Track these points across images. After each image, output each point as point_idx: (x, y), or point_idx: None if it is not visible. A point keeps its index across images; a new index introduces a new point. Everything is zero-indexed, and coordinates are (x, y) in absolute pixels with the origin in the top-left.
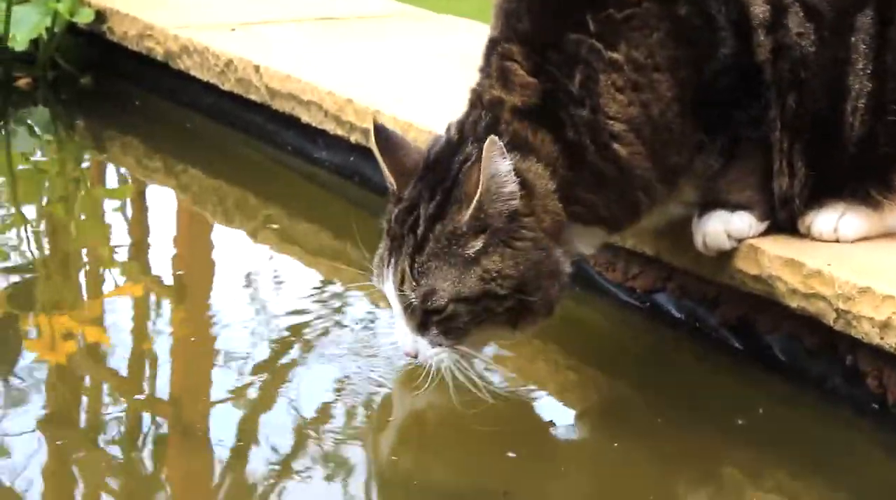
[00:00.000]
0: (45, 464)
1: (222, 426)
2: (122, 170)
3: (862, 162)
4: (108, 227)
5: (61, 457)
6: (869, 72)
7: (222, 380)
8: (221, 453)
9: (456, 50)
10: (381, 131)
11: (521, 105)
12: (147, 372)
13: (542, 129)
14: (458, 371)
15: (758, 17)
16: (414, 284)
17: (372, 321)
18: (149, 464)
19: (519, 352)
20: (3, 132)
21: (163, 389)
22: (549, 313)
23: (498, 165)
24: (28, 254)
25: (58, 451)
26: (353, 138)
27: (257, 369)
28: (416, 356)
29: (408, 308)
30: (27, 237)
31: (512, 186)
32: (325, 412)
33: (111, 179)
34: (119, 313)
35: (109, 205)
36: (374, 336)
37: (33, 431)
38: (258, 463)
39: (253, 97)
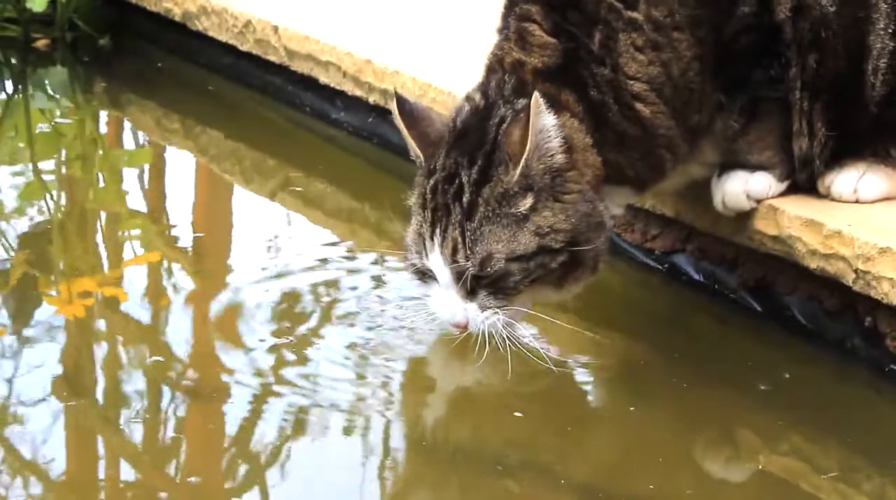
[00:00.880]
0: (62, 427)
1: (241, 388)
2: (141, 132)
3: (882, 122)
4: (126, 190)
5: (78, 419)
6: (890, 31)
7: (240, 342)
8: (239, 415)
9: (476, 8)
10: (403, 103)
11: (542, 66)
12: (165, 333)
13: (566, 89)
14: (506, 333)
15: None
16: (469, 252)
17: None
18: (167, 426)
19: (537, 313)
20: (22, 94)
21: (180, 351)
22: (595, 269)
23: (544, 119)
24: (45, 213)
25: (75, 412)
26: (372, 99)
27: (276, 332)
28: (465, 326)
29: (459, 276)
30: (45, 199)
31: (557, 140)
32: (344, 375)
33: (129, 141)
34: (137, 274)
35: (127, 167)
36: (395, 302)
37: (49, 394)
38: (275, 427)
39: (271, 58)
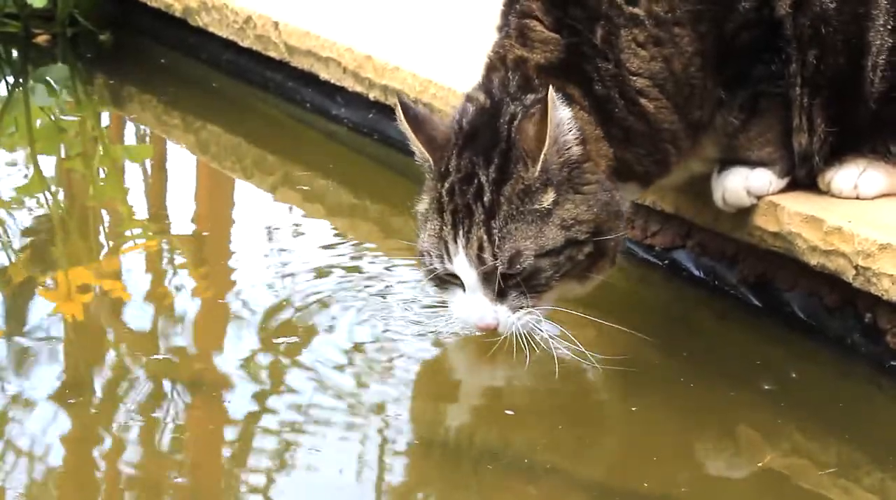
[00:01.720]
0: (62, 425)
1: (243, 385)
2: (142, 127)
3: (882, 118)
4: (127, 185)
5: (79, 417)
6: (890, 27)
7: (242, 339)
8: (242, 412)
9: (477, 4)
10: (407, 109)
11: (545, 62)
12: (165, 330)
13: (571, 84)
14: (538, 332)
15: None
16: (496, 250)
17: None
18: (167, 423)
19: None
20: (23, 89)
21: (182, 347)
22: (614, 260)
23: (561, 112)
24: (45, 208)
25: (76, 410)
26: (372, 95)
27: (277, 328)
28: (494, 328)
29: (486, 277)
30: (45, 194)
31: (573, 132)
32: (345, 372)
33: (130, 137)
34: (137, 270)
35: (128, 162)
36: (394, 297)
37: (51, 392)
38: (278, 423)
39: (272, 54)
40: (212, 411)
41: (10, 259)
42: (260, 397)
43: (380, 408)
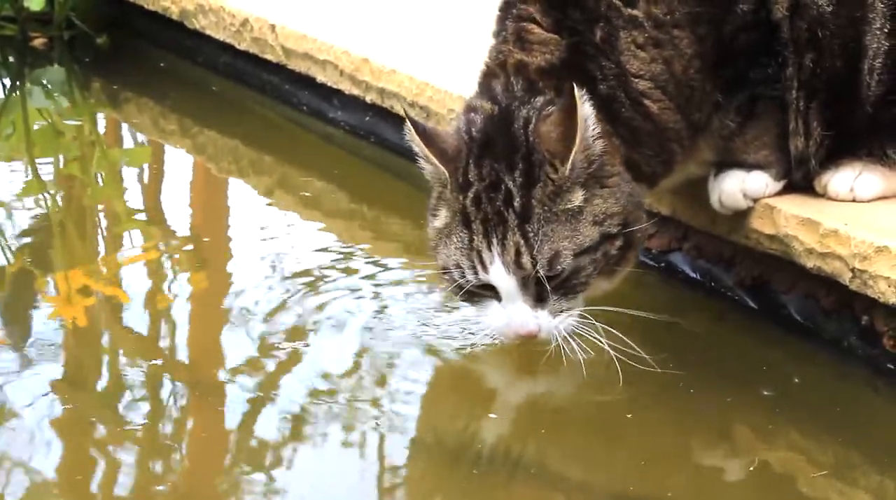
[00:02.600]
0: (59, 427)
1: (240, 390)
2: (138, 131)
3: (879, 122)
4: (125, 188)
5: (77, 420)
6: (886, 31)
7: (239, 342)
8: (239, 415)
9: (474, 7)
10: (417, 125)
11: (546, 64)
12: (164, 334)
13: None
14: (585, 332)
15: None
16: (535, 254)
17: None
18: (166, 426)
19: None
20: (19, 92)
21: (180, 350)
22: (638, 253)
23: (586, 108)
24: (43, 211)
25: (73, 413)
26: (369, 98)
27: (274, 331)
28: (535, 335)
29: (524, 283)
30: (43, 197)
31: (594, 128)
32: (344, 375)
33: (127, 140)
34: (135, 273)
35: (125, 166)
36: (391, 299)
37: (47, 393)
38: (275, 426)
39: (269, 57)
40: (211, 414)
41: (7, 261)
42: (258, 401)
43: (377, 407)
